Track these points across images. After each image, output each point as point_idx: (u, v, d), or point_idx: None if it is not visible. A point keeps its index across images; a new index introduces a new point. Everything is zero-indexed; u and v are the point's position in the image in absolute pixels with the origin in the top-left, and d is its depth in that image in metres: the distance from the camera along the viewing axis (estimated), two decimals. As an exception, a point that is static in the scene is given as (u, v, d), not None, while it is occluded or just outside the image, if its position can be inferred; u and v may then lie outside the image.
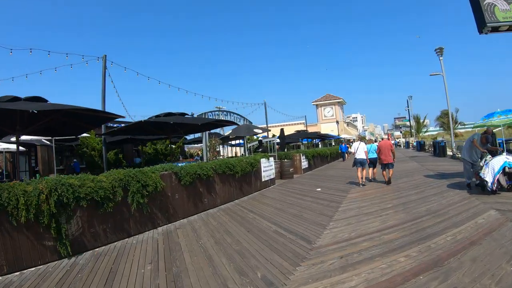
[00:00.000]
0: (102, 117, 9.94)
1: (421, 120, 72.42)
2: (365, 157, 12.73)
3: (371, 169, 13.92)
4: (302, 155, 20.24)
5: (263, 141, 20.30)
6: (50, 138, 13.93)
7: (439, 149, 27.04)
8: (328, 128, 60.17)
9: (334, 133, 52.98)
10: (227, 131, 24.26)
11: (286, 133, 33.34)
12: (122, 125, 18.18)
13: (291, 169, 17.38)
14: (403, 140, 76.44)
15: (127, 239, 6.94)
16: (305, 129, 53.37)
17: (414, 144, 52.48)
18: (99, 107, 11.21)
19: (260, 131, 15.76)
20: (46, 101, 8.21)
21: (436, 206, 8.01)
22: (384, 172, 12.72)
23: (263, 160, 14.29)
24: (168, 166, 8.95)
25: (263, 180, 14.17)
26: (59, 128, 11.06)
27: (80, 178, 6.37)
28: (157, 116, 13.15)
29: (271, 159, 15.33)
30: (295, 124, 52.35)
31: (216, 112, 19.56)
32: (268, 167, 14.75)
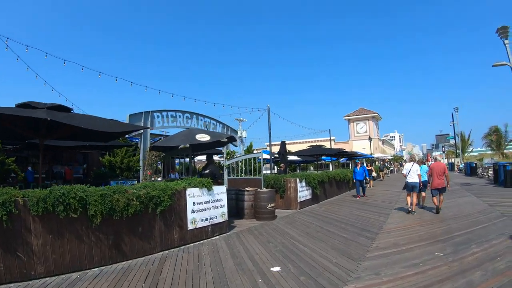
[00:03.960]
0: None
1: (466, 138, 63.09)
2: (417, 181, 11.37)
3: (421, 193, 12.28)
4: (300, 181, 13.08)
5: (213, 157, 13.29)
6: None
7: (505, 176, 18.75)
8: (360, 146, 52.75)
9: (366, 151, 45.35)
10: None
11: (299, 149, 26.51)
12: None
13: (270, 205, 10.27)
14: (446, 161, 66.91)
15: None
16: (335, 146, 46.68)
17: (461, 166, 43.45)
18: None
19: (207, 138, 8.90)
20: None
21: None
22: (435, 198, 11.14)
23: (192, 192, 7.56)
24: None
25: (191, 227, 7.52)
26: None
27: None
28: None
29: (219, 189, 8.44)
30: (320, 140, 45.30)
31: (172, 113, 13.32)
32: (207, 203, 7.94)
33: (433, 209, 11.18)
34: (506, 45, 18.18)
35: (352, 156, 34.92)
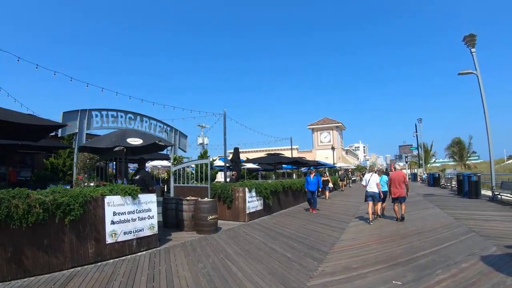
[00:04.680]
0: None
1: (429, 149, 64.74)
2: (377, 191, 11.78)
3: (380, 203, 12.49)
4: (249, 191, 12.40)
5: (147, 163, 12.41)
6: None
7: (469, 186, 18.68)
8: (323, 155, 52.89)
9: (329, 160, 45.39)
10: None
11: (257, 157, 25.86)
12: None
13: (211, 217, 9.43)
14: (409, 171, 68.15)
15: None
16: (299, 155, 46.45)
17: (424, 177, 44.00)
18: None
19: (139, 141, 8.07)
20: None
21: None
22: (396, 207, 11.74)
23: (112, 200, 6.77)
24: None
25: (110, 241, 6.72)
26: None
27: None
28: None
29: (147, 197, 7.57)
30: (282, 149, 44.91)
31: (113, 113, 12.31)
32: (132, 214, 7.11)
33: (394, 218, 11.77)
34: (473, 53, 18.21)
35: (314, 166, 34.58)
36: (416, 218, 11.92)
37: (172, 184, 12.82)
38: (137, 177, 8.61)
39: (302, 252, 7.53)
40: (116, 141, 8.15)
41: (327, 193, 22.00)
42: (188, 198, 10.14)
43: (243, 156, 38.80)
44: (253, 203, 12.55)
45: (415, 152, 65.06)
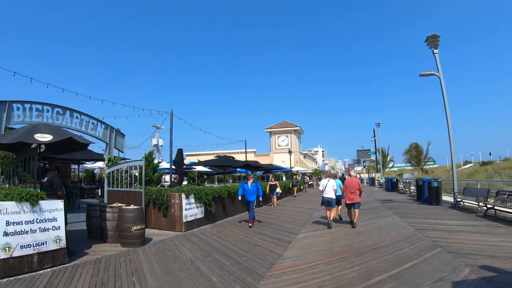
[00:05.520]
0: None
1: (386, 154, 66.44)
2: (333, 196, 12.00)
3: (335, 208, 12.73)
4: (187, 197, 11.53)
5: (56, 162, 11.35)
6: None
7: (430, 192, 18.30)
8: (281, 159, 52.84)
9: (286, 164, 45.28)
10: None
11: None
12: None
13: (135, 227, 8.48)
14: (366, 176, 69.34)
15: None
16: (256, 159, 46.08)
17: (381, 181, 44.47)
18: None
19: (49, 138, 7.17)
20: None
21: None
22: (350, 211, 12.13)
23: (5, 206, 5.85)
24: None
25: (3, 256, 5.77)
26: None
27: None
28: None
29: (52, 204, 6.62)
30: (237, 152, 44.33)
31: (38, 106, 11.24)
32: (31, 224, 6.19)
33: (348, 223, 12.20)
34: (436, 54, 18.39)
35: (269, 170, 34.09)
36: (372, 229, 11.10)
37: (105, 188, 11.92)
38: (45, 179, 7.62)
39: (232, 275, 6.24)
40: (22, 136, 7.21)
41: (274, 199, 20.87)
42: (112, 205, 9.27)
43: (195, 159, 37.91)
44: (191, 210, 11.74)
45: (373, 157, 66.62)
